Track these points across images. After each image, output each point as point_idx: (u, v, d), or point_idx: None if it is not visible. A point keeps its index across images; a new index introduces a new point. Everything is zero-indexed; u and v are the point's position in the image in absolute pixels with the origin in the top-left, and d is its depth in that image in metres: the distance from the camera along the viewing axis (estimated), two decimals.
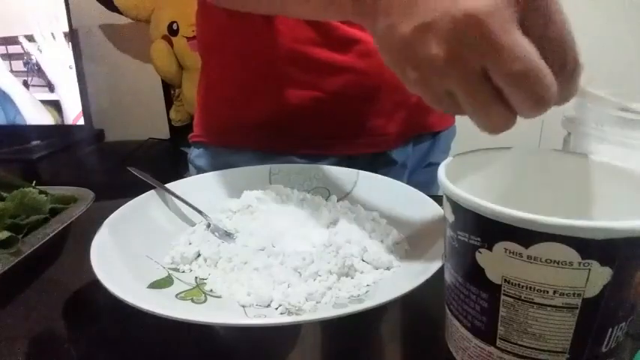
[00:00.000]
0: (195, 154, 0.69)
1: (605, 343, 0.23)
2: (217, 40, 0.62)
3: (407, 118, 0.64)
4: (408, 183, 0.47)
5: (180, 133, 1.61)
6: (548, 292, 0.22)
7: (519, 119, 0.28)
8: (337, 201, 0.48)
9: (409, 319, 0.35)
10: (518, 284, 0.22)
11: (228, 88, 0.63)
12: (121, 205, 0.41)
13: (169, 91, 1.62)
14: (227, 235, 0.42)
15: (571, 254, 0.20)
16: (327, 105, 0.59)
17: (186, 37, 1.45)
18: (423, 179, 0.69)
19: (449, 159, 0.29)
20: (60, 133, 1.50)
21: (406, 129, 0.65)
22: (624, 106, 0.32)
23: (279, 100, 0.60)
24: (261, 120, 0.62)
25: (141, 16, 1.50)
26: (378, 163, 0.62)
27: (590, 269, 0.21)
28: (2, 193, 0.42)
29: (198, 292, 0.35)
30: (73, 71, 1.46)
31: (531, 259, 0.21)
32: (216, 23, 0.62)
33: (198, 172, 0.68)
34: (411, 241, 0.40)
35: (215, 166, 0.65)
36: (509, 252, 0.22)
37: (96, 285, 0.30)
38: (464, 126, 0.77)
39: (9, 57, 1.47)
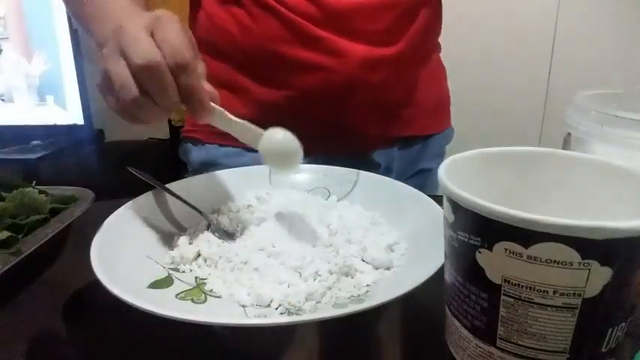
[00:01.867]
0: (184, 148, 0.71)
1: (605, 343, 0.23)
2: (200, 36, 0.63)
3: (386, 118, 0.64)
4: None
5: (180, 133, 1.61)
6: (548, 292, 0.22)
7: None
8: (337, 201, 0.48)
9: (409, 319, 0.35)
10: (518, 284, 0.22)
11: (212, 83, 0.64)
12: (121, 205, 0.41)
13: None
14: (227, 235, 0.42)
15: (571, 254, 0.20)
16: (301, 103, 0.59)
17: None
18: (413, 185, 0.68)
19: (449, 159, 0.29)
20: (60, 133, 1.50)
21: (386, 129, 0.64)
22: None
23: (253, 98, 0.61)
24: (240, 117, 0.62)
25: None
26: (359, 165, 0.62)
27: (590, 269, 0.21)
28: (2, 193, 0.42)
29: (198, 292, 0.35)
30: (73, 71, 1.46)
31: (531, 259, 0.21)
32: (201, 20, 0.63)
33: (188, 166, 0.69)
34: (411, 241, 0.40)
35: (201, 160, 0.66)
36: (509, 252, 0.22)
37: (96, 285, 0.30)
38: (462, 126, 0.78)
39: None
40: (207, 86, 0.40)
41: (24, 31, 1.45)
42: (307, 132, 0.62)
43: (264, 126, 0.61)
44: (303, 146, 0.60)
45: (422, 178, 0.69)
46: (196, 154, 0.67)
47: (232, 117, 0.42)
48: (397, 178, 0.66)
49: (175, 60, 0.35)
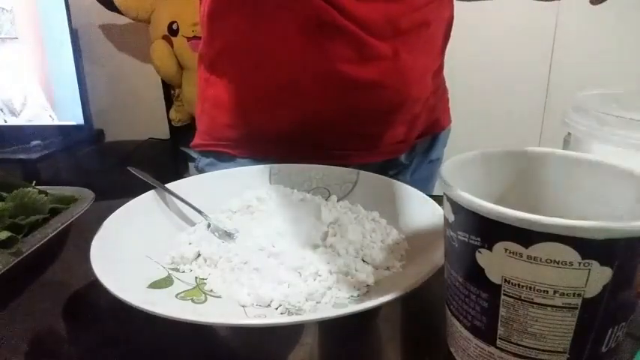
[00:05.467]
0: (204, 162, 0.66)
1: (605, 343, 0.23)
2: (235, 49, 0.59)
3: (416, 124, 0.65)
4: (410, 179, 0.47)
5: (180, 133, 1.61)
6: (548, 292, 0.22)
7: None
8: (337, 201, 0.48)
9: (409, 319, 0.35)
10: (518, 284, 0.22)
11: (250, 98, 0.61)
12: (121, 205, 0.41)
13: (169, 91, 1.62)
14: (227, 235, 0.42)
15: (571, 254, 0.20)
16: (348, 119, 0.58)
17: (186, 37, 1.45)
18: (424, 175, 0.71)
19: (449, 160, 0.29)
20: (60, 133, 1.50)
21: (414, 135, 0.67)
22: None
23: (298, 113, 0.59)
24: (278, 132, 0.60)
25: (141, 16, 1.50)
26: (389, 167, 0.64)
27: (590, 269, 0.21)
28: (2, 193, 0.42)
29: (198, 292, 0.35)
30: (73, 71, 1.46)
31: (531, 259, 0.21)
32: (232, 32, 0.58)
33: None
34: (411, 241, 0.40)
35: None
36: (509, 252, 0.22)
37: (96, 285, 0.30)
38: (462, 126, 0.78)
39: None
40: None
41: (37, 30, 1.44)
42: (348, 144, 0.63)
43: (302, 139, 0.60)
44: (341, 156, 0.58)
45: (431, 167, 0.72)
46: (219, 169, 0.63)
47: None
48: (413, 171, 0.69)
49: None
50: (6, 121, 1.50)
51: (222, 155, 0.64)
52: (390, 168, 0.65)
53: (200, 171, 0.66)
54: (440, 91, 0.70)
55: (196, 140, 0.67)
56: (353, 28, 0.53)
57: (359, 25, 0.53)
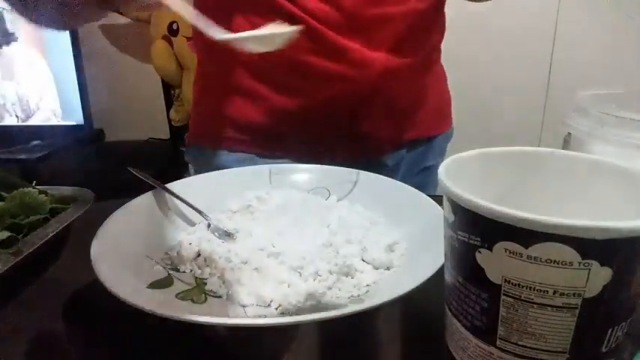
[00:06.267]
0: (191, 155, 0.70)
1: (605, 343, 0.23)
2: (213, 43, 0.62)
3: (396, 123, 0.65)
4: None
5: (180, 133, 1.61)
6: (548, 292, 0.22)
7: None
8: (337, 201, 0.48)
9: (409, 319, 0.35)
10: (518, 284, 0.22)
11: (225, 91, 0.64)
12: (121, 205, 0.41)
13: (169, 91, 1.62)
14: (227, 235, 0.42)
15: (571, 254, 0.20)
16: (320, 113, 0.59)
17: (186, 37, 1.45)
18: (417, 182, 0.69)
19: (449, 159, 0.29)
20: (60, 133, 1.50)
21: (398, 134, 0.65)
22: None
23: (269, 105, 0.60)
24: (254, 124, 0.62)
25: (141, 16, 1.50)
26: (370, 167, 0.62)
27: (590, 269, 0.21)
28: (2, 193, 0.42)
29: (198, 292, 0.35)
30: (73, 71, 1.46)
31: (531, 259, 0.21)
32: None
33: (195, 172, 0.68)
34: (411, 241, 0.40)
35: (211, 167, 0.65)
36: (509, 252, 0.22)
37: (96, 285, 0.30)
38: (462, 126, 0.78)
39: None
40: None
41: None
42: (322, 139, 0.63)
43: (279, 132, 0.61)
44: (318, 152, 0.60)
45: (425, 176, 0.71)
46: (205, 160, 0.67)
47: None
48: (403, 177, 0.68)
49: None
50: (5, 120, 1.50)
51: (204, 148, 0.67)
52: (373, 168, 0.62)
53: (188, 162, 0.71)
54: (433, 93, 0.69)
55: (187, 134, 0.71)
56: (312, 21, 0.55)
57: (317, 19, 0.55)
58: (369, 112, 0.61)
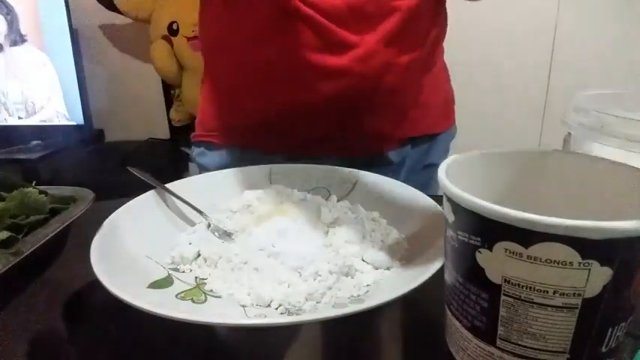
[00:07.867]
0: (196, 152, 0.70)
1: (605, 343, 0.23)
2: (219, 40, 0.63)
3: (403, 119, 0.65)
4: (406, 183, 0.47)
5: (180, 133, 1.61)
6: (548, 292, 0.22)
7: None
8: (337, 201, 0.48)
9: (409, 319, 0.35)
10: (518, 284, 0.22)
11: (229, 88, 0.64)
12: (121, 205, 0.41)
13: (169, 91, 1.62)
14: (227, 235, 0.42)
15: (571, 254, 0.20)
16: (324, 108, 0.59)
17: (186, 37, 1.45)
18: (421, 179, 0.69)
19: (449, 159, 0.29)
20: (60, 133, 1.50)
21: (403, 130, 0.66)
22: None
23: (276, 102, 0.60)
24: (259, 120, 0.62)
25: (141, 16, 1.50)
26: (375, 163, 0.63)
27: (590, 269, 0.21)
28: (2, 193, 0.42)
29: (198, 292, 0.35)
30: (73, 71, 1.46)
31: (531, 259, 0.21)
32: (217, 23, 0.62)
33: (200, 171, 0.68)
34: (411, 241, 0.40)
35: (218, 165, 0.65)
36: (509, 252, 0.22)
37: (96, 285, 0.30)
38: (462, 126, 0.78)
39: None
40: None
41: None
42: (327, 135, 0.63)
43: (283, 128, 0.61)
44: (322, 149, 0.59)
45: (431, 172, 0.71)
46: (211, 159, 0.67)
47: None
48: (408, 173, 0.68)
49: None
50: (6, 120, 1.50)
51: (211, 145, 0.67)
52: (377, 165, 0.63)
53: (193, 161, 0.71)
54: (437, 90, 0.69)
55: (194, 132, 0.71)
56: (316, 16, 0.55)
57: (322, 14, 0.55)
58: (371, 108, 0.61)
